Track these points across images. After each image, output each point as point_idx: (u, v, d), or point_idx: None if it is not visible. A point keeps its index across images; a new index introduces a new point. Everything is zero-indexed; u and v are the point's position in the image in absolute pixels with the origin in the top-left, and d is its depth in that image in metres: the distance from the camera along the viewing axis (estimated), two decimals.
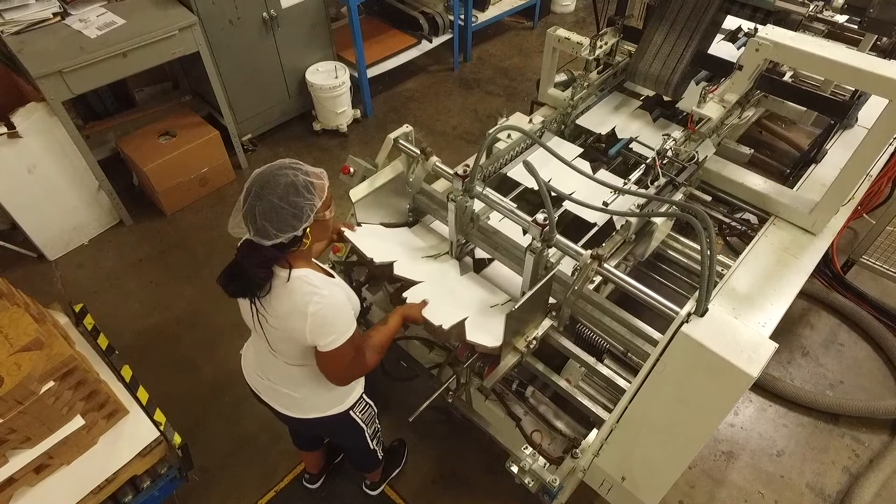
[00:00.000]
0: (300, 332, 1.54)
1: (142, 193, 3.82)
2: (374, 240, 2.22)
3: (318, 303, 1.52)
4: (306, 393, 1.79)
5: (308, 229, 1.50)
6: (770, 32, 2.20)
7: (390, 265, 2.14)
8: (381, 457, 2.27)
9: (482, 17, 5.07)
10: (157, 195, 3.62)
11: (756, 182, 2.61)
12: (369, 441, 2.11)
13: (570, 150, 2.72)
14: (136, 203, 3.73)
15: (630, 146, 2.71)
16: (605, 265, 1.86)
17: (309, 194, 1.47)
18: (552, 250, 1.93)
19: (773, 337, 1.58)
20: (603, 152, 2.76)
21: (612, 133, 2.80)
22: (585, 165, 2.63)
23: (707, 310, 1.68)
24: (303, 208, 1.46)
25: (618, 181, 2.43)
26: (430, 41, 4.72)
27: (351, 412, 1.90)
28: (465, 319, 1.93)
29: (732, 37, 3.31)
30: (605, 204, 2.33)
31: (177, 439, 2.29)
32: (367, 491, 2.50)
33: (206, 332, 3.09)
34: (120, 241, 3.58)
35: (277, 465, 2.58)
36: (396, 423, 2.71)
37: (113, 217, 3.64)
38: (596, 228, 2.35)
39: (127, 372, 2.46)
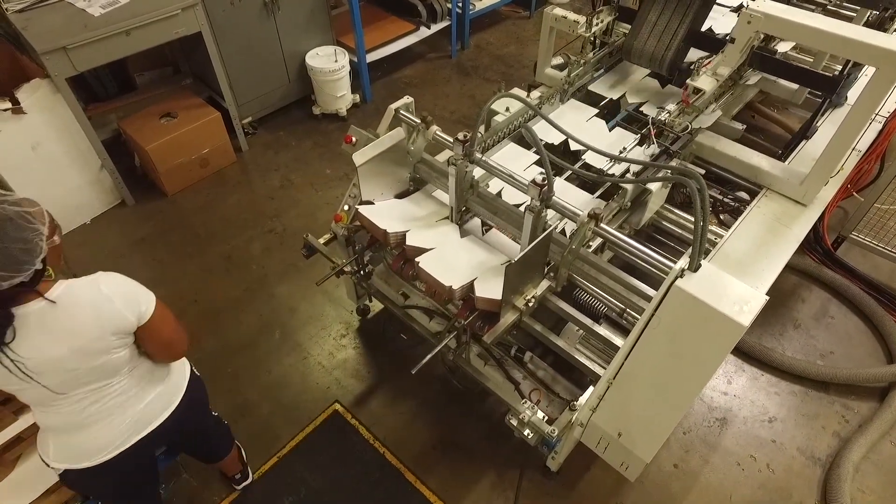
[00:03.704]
0: (118, 317, 1.47)
1: (143, 175, 3.86)
2: (384, 212, 2.28)
3: (105, 279, 1.50)
4: (161, 379, 1.73)
5: (45, 259, 1.39)
6: (761, 4, 2.26)
7: (403, 235, 2.19)
8: (227, 423, 2.24)
9: (479, 5, 5.13)
10: (158, 175, 3.65)
11: (749, 155, 2.67)
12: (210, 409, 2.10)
13: (586, 112, 2.85)
14: (137, 184, 3.76)
15: (639, 110, 2.77)
16: (602, 225, 1.91)
17: (31, 223, 1.35)
18: (550, 212, 1.98)
19: (766, 309, 1.63)
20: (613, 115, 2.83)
21: (623, 98, 2.86)
22: (602, 125, 2.73)
23: (700, 265, 1.73)
24: (32, 240, 1.34)
25: (632, 137, 2.52)
26: (429, 28, 4.77)
27: (192, 368, 1.90)
28: (475, 280, 1.99)
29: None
30: (603, 172, 2.39)
31: None
32: (238, 487, 2.43)
33: (208, 308, 3.13)
34: (122, 221, 3.62)
35: (280, 434, 2.62)
36: (396, 393, 2.76)
37: (115, 197, 3.67)
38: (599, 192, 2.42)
39: None
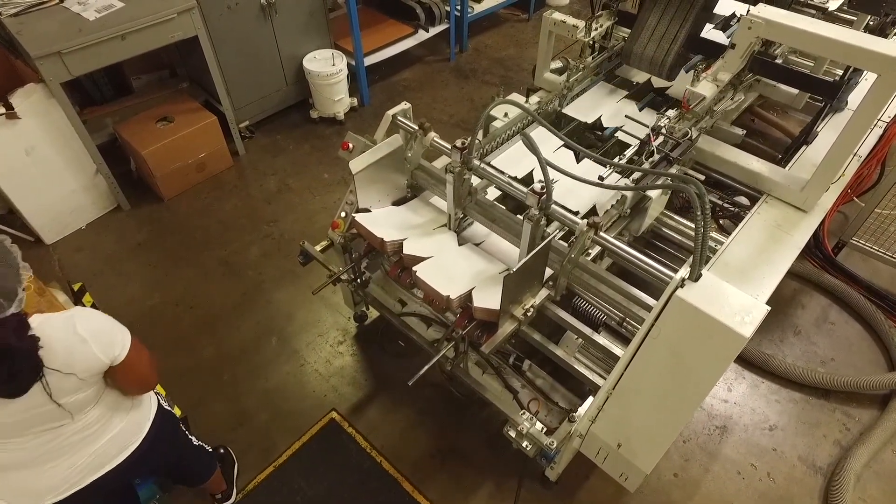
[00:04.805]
0: (91, 359, 1.43)
1: (139, 179, 3.83)
2: (380, 219, 2.26)
3: (81, 318, 1.44)
4: (125, 410, 1.66)
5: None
6: (762, 10, 2.24)
7: (400, 243, 2.17)
8: (210, 450, 2.20)
9: (478, 7, 5.11)
10: (154, 180, 3.63)
11: (749, 161, 2.65)
12: (187, 435, 2.04)
13: (617, 93, 2.91)
14: (133, 189, 3.74)
15: (615, 135, 2.75)
16: (601, 234, 1.89)
17: (9, 248, 1.36)
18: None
19: (766, 316, 1.61)
20: (596, 138, 2.80)
21: (598, 121, 2.83)
22: (631, 105, 2.77)
23: (701, 275, 1.71)
24: (15, 265, 1.35)
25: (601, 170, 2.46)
26: (427, 31, 4.75)
27: (161, 403, 1.85)
28: (473, 289, 1.97)
29: (725, 25, 3.34)
30: (601, 178, 2.37)
31: (177, 411, 2.31)
32: None
33: (204, 314, 3.10)
34: (118, 226, 3.59)
35: (276, 442, 2.60)
36: (394, 401, 2.73)
37: (111, 202, 3.64)
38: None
39: None
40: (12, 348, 1.28)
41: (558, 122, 2.93)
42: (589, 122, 2.84)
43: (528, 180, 2.52)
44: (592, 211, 2.39)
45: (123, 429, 1.65)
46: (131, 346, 1.52)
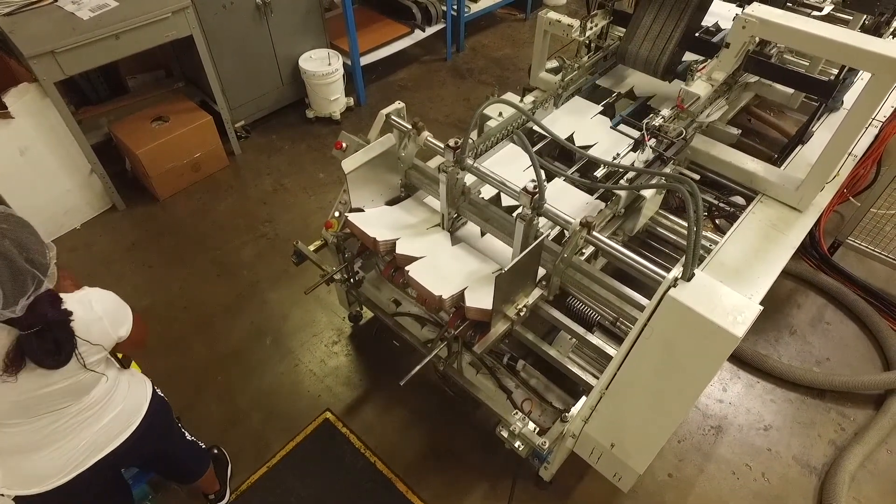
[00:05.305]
0: (105, 336, 1.51)
1: (134, 179, 3.82)
2: (374, 219, 2.25)
3: (95, 296, 1.51)
4: (124, 389, 1.71)
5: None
6: (756, 9, 2.24)
7: (393, 243, 2.16)
8: (203, 446, 2.20)
9: (475, 7, 5.11)
10: (149, 180, 3.62)
11: (744, 161, 2.65)
12: (181, 427, 2.08)
13: (591, 109, 2.88)
14: (128, 188, 3.73)
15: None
16: (595, 233, 1.88)
17: (29, 230, 1.37)
18: (542, 220, 1.96)
19: (761, 315, 1.60)
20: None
21: (631, 91, 2.92)
22: (605, 122, 2.77)
23: (693, 274, 1.70)
24: (37, 238, 1.38)
25: (635, 135, 2.52)
26: (423, 31, 4.74)
27: (156, 389, 1.88)
28: (465, 289, 1.96)
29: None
30: (596, 179, 2.37)
31: None
32: None
33: (199, 314, 3.09)
34: (113, 226, 3.58)
35: (270, 442, 2.59)
36: (388, 401, 2.73)
37: (105, 202, 3.63)
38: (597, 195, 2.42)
39: None
40: (52, 321, 1.35)
41: (594, 91, 3.06)
42: (623, 92, 2.95)
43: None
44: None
45: (124, 409, 1.70)
46: (136, 320, 1.63)
